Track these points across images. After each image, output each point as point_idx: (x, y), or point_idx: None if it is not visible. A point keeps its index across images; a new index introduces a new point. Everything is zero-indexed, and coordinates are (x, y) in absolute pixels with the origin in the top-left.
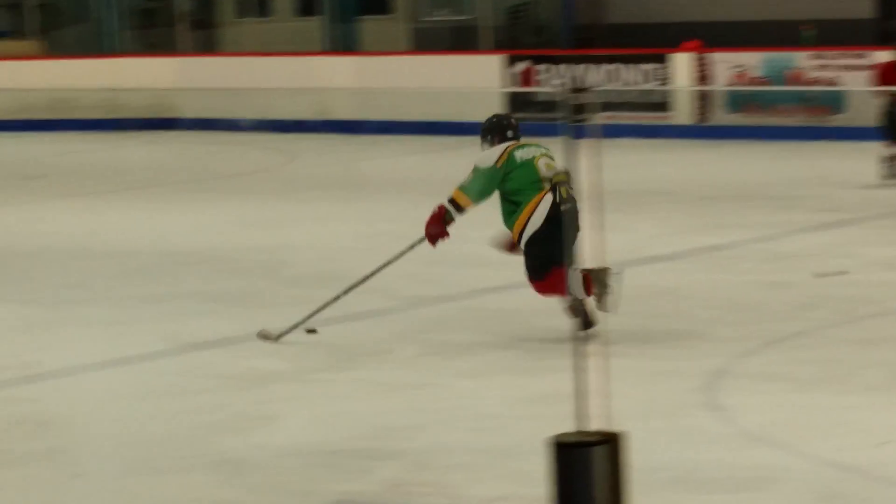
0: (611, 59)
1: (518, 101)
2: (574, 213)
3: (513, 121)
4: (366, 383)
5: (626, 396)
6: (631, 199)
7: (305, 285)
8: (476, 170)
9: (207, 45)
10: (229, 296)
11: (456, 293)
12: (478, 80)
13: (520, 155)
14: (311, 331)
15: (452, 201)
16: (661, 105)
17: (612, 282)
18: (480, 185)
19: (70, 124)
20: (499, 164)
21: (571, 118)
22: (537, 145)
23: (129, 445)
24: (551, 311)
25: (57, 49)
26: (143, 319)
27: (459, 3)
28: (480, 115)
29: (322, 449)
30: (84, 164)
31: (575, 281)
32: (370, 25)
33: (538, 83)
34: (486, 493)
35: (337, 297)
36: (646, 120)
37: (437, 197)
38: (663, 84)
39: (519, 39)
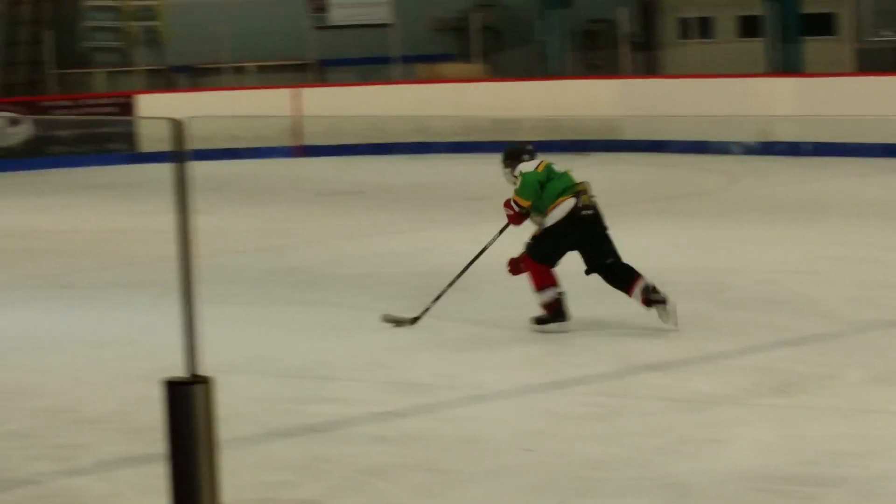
0: None
1: None
2: (597, 217)
3: (528, 146)
4: (811, 409)
5: None
6: None
7: (746, 308)
8: (521, 174)
9: (649, 66)
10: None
11: None
12: None
13: (556, 168)
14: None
15: (517, 204)
16: None
17: (665, 296)
18: (528, 184)
19: None
20: (540, 169)
21: None
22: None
23: (571, 466)
24: None
25: (500, 71)
26: (581, 341)
27: None
28: None
29: (767, 474)
30: None
31: (638, 291)
32: (813, 46)
33: None
34: None
35: (450, 285)
36: None
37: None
38: None
39: None
